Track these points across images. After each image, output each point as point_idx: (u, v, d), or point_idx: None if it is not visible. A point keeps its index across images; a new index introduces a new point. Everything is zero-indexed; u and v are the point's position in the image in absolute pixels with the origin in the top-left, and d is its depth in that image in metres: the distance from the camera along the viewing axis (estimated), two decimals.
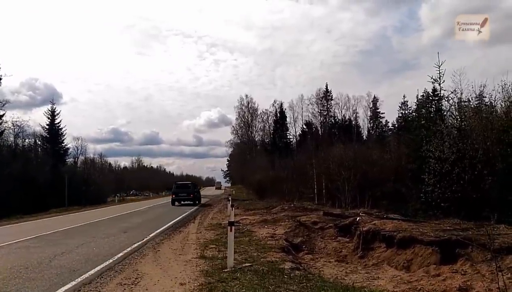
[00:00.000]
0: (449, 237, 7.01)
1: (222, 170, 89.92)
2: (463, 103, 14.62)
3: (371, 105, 56.56)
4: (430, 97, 21.47)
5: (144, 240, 9.65)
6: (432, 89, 19.78)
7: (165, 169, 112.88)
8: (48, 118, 40.27)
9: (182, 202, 26.97)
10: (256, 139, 63.42)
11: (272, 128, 59.88)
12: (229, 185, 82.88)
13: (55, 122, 40.52)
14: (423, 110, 21.60)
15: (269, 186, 34.33)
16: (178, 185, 28.88)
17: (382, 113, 56.09)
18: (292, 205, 18.28)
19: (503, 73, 14.70)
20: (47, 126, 39.91)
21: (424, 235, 7.47)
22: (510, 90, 12.90)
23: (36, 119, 54.48)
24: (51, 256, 7.45)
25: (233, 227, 6.43)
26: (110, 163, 71.62)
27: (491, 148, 12.04)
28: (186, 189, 27.65)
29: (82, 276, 5.80)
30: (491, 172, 11.54)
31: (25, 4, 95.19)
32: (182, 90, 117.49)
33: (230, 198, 20.21)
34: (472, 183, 11.79)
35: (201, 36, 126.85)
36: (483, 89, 15.36)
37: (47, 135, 39.90)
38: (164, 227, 12.77)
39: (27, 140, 37.51)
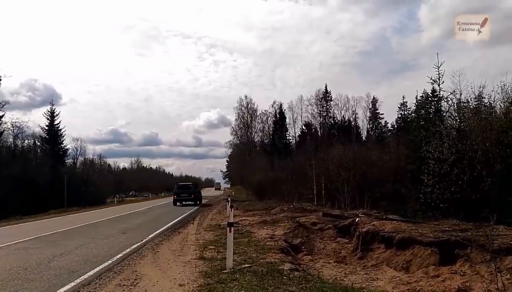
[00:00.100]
0: (448, 237, 7.02)
1: (221, 171, 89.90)
2: (462, 104, 14.63)
3: (370, 106, 56.57)
4: (430, 98, 21.51)
5: (143, 241, 9.64)
6: (432, 90, 19.85)
7: (164, 170, 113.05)
8: (48, 119, 40.29)
9: (183, 202, 27.43)
10: (256, 140, 63.40)
11: (271, 129, 59.81)
12: (229, 185, 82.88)
13: (55, 123, 40.51)
14: (423, 111, 21.62)
15: (269, 187, 34.29)
16: (180, 185, 29.54)
17: (381, 114, 56.16)
18: (292, 206, 18.28)
19: (502, 74, 14.77)
20: (46, 127, 39.88)
21: (423, 235, 7.48)
22: (509, 91, 12.92)
23: (35, 120, 54.78)
24: (50, 257, 7.45)
25: (232, 228, 6.43)
26: (109, 164, 71.66)
27: (490, 149, 12.04)
28: (187, 190, 28.32)
29: (81, 277, 5.80)
30: (490, 172, 11.54)
31: (25, 4, 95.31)
32: (181, 91, 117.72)
33: (229, 199, 20.21)
34: (471, 184, 11.79)
35: (200, 37, 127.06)
36: (482, 90, 15.42)
37: (47, 136, 39.85)
38: (163, 228, 12.77)
39: (26, 141, 37.58)
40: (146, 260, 7.29)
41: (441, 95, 16.15)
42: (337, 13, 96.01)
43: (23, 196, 27.67)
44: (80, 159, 48.34)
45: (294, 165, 33.10)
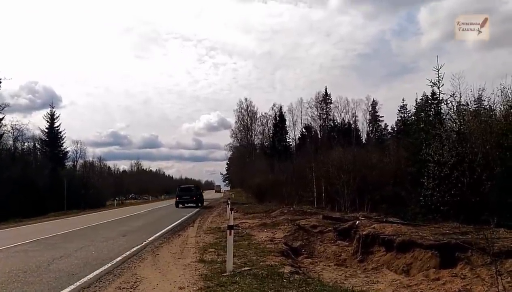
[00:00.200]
0: (449, 240, 7.01)
1: (221, 174, 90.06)
2: (462, 107, 14.62)
3: (370, 109, 56.57)
4: (429, 101, 21.52)
5: (143, 244, 9.63)
6: (431, 93, 19.80)
7: (164, 173, 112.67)
8: (48, 121, 40.34)
9: (185, 204, 27.68)
10: (256, 143, 63.38)
11: (271, 132, 59.77)
12: (228, 188, 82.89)
13: (55, 125, 40.55)
14: (422, 113, 21.62)
15: (269, 190, 34.28)
16: (182, 188, 29.91)
17: (381, 116, 56.11)
18: (292, 209, 18.28)
19: (502, 76, 14.67)
20: (46, 130, 39.94)
21: (424, 238, 7.47)
22: (509, 93, 12.91)
23: (35, 123, 54.76)
24: (49, 260, 7.44)
25: (232, 231, 6.42)
26: (109, 166, 71.38)
27: (490, 152, 12.04)
28: (189, 192, 28.77)
29: (81, 280, 5.79)
30: (490, 175, 11.53)
31: (25, 7, 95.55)
32: (181, 93, 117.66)
33: (229, 202, 20.20)
34: (471, 187, 11.78)
35: (200, 39, 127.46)
36: (482, 93, 15.42)
37: (46, 139, 39.85)
38: (163, 230, 12.76)
39: (26, 143, 37.56)
40: (146, 263, 7.28)
41: (441, 98, 16.12)
42: (337, 15, 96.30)
43: (23, 198, 27.67)
44: (80, 161, 48.34)
45: (294, 167, 33.07)
